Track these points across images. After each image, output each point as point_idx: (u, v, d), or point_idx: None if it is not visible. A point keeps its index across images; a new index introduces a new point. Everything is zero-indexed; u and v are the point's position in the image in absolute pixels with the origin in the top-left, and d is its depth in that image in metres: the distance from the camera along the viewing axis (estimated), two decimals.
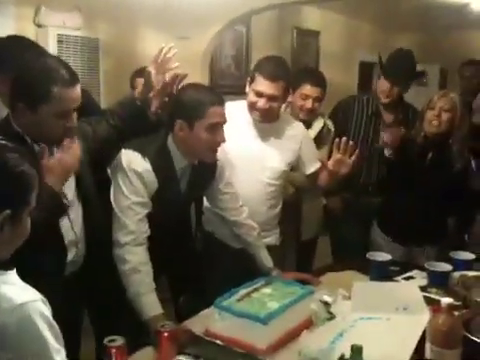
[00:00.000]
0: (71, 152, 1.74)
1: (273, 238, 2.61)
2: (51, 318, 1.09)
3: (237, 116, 2.40)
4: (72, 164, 1.75)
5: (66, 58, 3.53)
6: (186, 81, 2.12)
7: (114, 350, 1.50)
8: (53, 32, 3.56)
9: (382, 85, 3.13)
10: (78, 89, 1.74)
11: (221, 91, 4.62)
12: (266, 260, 2.36)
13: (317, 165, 2.58)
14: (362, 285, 2.15)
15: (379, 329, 1.85)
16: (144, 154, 2.01)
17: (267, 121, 2.46)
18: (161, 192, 2.05)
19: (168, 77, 2.04)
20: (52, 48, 3.50)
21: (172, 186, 2.11)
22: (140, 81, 2.90)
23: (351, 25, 6.42)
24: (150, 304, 1.91)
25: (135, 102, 2.01)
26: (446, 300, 1.59)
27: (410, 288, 2.14)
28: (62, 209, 1.74)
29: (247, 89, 2.46)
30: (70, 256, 1.85)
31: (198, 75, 4.34)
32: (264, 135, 2.48)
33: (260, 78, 2.36)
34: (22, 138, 1.70)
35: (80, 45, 3.70)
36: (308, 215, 3.13)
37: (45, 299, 1.11)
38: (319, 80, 3.01)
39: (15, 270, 1.15)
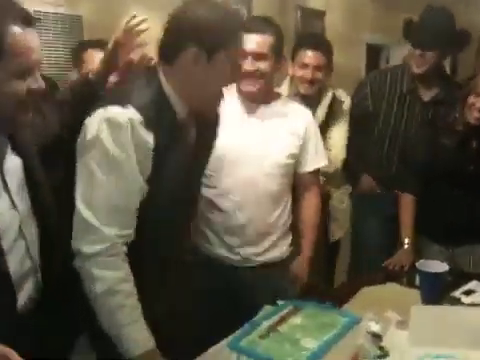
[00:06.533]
0: None
1: (281, 250, 2.07)
2: None
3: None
4: None
5: (45, 38, 3.19)
6: None
7: None
8: (30, 8, 3.09)
9: (412, 52, 2.62)
10: (36, 33, 1.24)
11: None
12: None
13: (322, 163, 2.12)
14: (422, 310, 1.66)
15: None
16: (124, 103, 1.38)
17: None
18: (159, 158, 1.43)
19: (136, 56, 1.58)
20: None
21: (177, 147, 1.47)
22: (90, 56, 2.43)
23: (357, 5, 6.08)
24: (136, 338, 1.36)
25: (92, 86, 1.53)
26: None
27: None
28: None
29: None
30: (26, 292, 1.36)
31: None
32: (261, 121, 2.01)
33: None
34: None
35: (61, 23, 3.32)
36: (337, 210, 2.68)
37: None
38: (320, 44, 2.53)
39: None
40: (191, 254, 1.96)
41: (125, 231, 1.39)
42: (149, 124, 1.37)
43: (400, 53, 4.63)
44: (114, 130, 1.35)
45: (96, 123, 1.37)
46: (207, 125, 1.61)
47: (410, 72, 2.69)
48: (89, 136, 1.37)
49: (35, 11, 3.15)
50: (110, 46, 1.54)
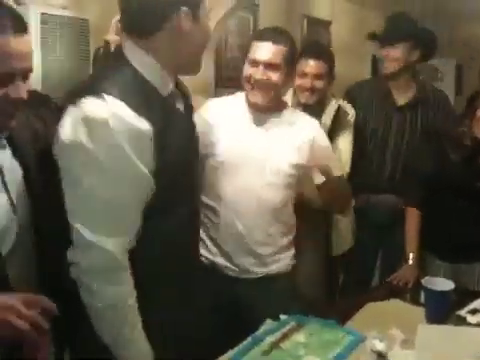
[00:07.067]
0: None
1: (282, 264, 2.05)
2: None
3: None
4: None
5: (51, 41, 3.13)
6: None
7: None
8: (35, 11, 3.08)
9: (382, 54, 2.74)
10: (27, 40, 1.18)
11: (229, 85, 4.23)
12: None
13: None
14: (429, 329, 1.63)
15: None
16: (99, 93, 1.24)
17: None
18: (160, 144, 1.28)
19: None
20: (35, 30, 3.02)
21: (173, 127, 1.33)
22: None
23: (364, 16, 6.03)
24: (136, 354, 1.32)
25: None
26: None
27: None
28: None
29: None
30: None
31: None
32: (268, 130, 1.99)
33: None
34: None
35: (67, 26, 3.22)
36: (340, 222, 2.62)
37: None
38: (321, 53, 2.50)
39: None
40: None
41: (125, 238, 1.28)
42: (137, 109, 1.23)
43: None
44: (93, 129, 1.20)
45: (72, 125, 1.23)
46: (184, 94, 1.53)
47: (383, 75, 2.77)
48: (67, 141, 1.23)
49: (42, 14, 3.14)
50: (102, 48, 1.52)
